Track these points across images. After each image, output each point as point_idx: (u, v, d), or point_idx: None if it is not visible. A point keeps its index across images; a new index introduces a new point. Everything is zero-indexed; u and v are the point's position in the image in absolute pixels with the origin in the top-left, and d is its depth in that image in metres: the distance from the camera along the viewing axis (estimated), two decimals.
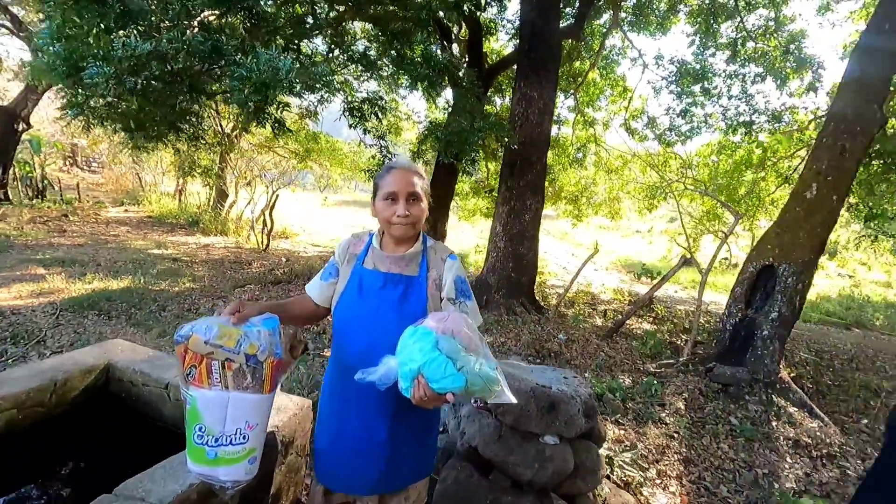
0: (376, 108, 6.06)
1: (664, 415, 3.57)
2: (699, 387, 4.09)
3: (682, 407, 3.73)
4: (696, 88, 9.82)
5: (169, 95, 4.70)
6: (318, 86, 5.52)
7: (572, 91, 10.95)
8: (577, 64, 10.61)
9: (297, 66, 4.98)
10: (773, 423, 3.57)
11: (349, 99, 6.38)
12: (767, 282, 4.49)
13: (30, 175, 15.86)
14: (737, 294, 4.66)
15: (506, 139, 5.68)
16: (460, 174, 7.73)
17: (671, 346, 5.56)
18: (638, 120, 11.35)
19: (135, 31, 4.66)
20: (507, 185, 6.31)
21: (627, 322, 6.25)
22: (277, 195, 11.66)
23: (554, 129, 11.27)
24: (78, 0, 4.04)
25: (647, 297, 6.28)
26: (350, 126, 5.92)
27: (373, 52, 6.60)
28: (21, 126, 13.75)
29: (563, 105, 11.73)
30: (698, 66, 9.56)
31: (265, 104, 4.29)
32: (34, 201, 14.15)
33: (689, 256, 5.93)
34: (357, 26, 8.43)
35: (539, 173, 6.36)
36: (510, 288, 6.19)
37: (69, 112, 4.84)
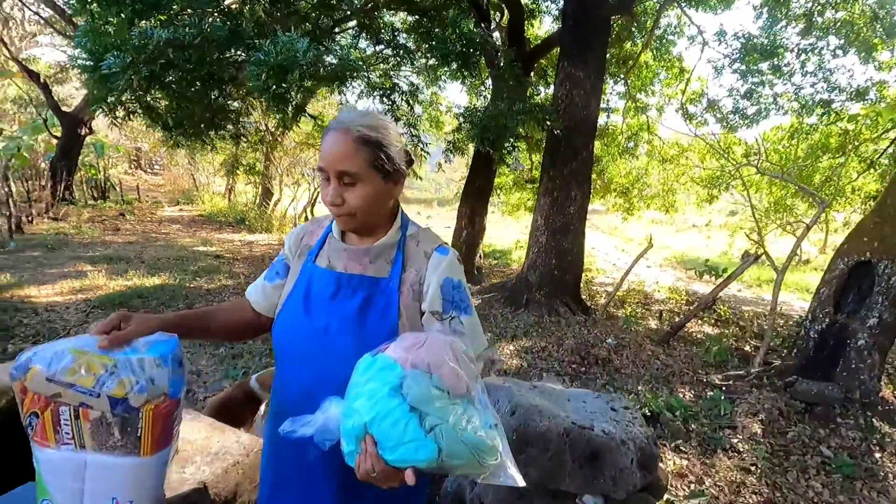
0: (406, 96, 5.72)
1: (736, 440, 2.99)
2: (778, 406, 3.45)
3: (759, 431, 3.13)
4: (764, 66, 8.83)
5: (188, 85, 4.53)
6: (345, 73, 5.22)
7: (622, 76, 10.17)
8: (627, 46, 9.82)
9: (321, 49, 4.71)
10: (877, 456, 2.91)
11: (381, 86, 6.09)
12: (863, 281, 3.77)
13: (94, 177, 16.71)
14: (823, 295, 3.95)
15: (547, 123, 5.16)
16: (500, 165, 7.25)
17: (739, 353, 4.88)
18: (696, 104, 10.41)
19: (157, 21, 4.52)
20: (549, 174, 5.78)
21: (686, 325, 5.58)
22: (318, 192, 11.65)
23: (602, 118, 10.57)
24: None
25: (711, 296, 5.58)
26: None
27: (410, 43, 6.27)
28: (84, 131, 14.45)
29: (613, 91, 10.96)
30: (767, 41, 8.57)
31: (284, 90, 4.02)
32: (97, 202, 14.89)
33: (760, 252, 5.20)
34: (396, 19, 8.12)
35: (585, 162, 5.79)
36: (553, 286, 5.67)
37: (94, 107, 4.78)
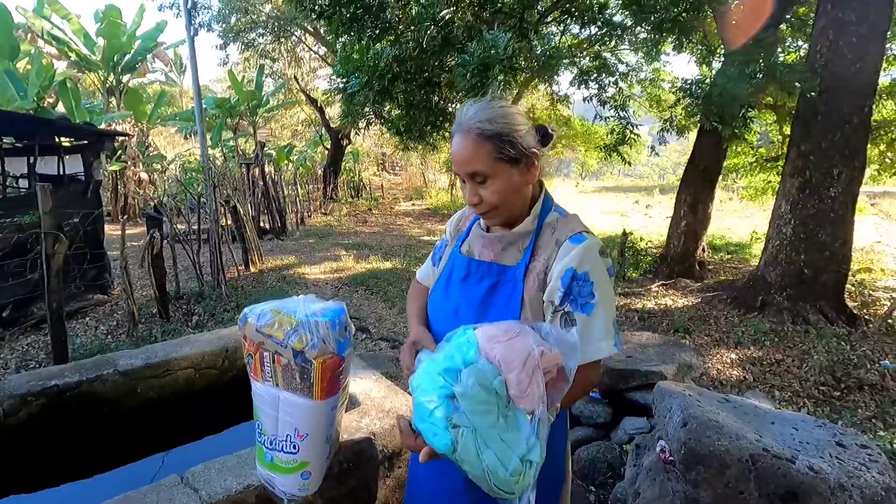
0: (617, 76, 5.36)
1: None
2: None
3: None
4: None
5: (411, 93, 5.14)
6: (550, 64, 5.20)
7: None
8: None
9: (524, 43, 4.79)
10: None
11: (592, 70, 5.83)
12: None
13: (352, 179, 20.53)
14: None
15: (797, 85, 4.17)
16: (732, 142, 6.16)
17: None
18: None
19: (388, 42, 5.26)
20: (799, 149, 4.67)
21: None
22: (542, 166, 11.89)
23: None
24: (343, 23, 4.76)
25: None
26: (584, 100, 5.40)
27: (625, 19, 5.86)
28: (345, 141, 17.83)
29: None
30: None
31: (486, 86, 4.23)
32: (353, 199, 18.28)
33: None
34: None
35: (857, 130, 4.48)
36: (800, 288, 4.58)
37: (343, 121, 5.86)
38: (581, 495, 1.91)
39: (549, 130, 1.00)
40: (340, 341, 0.97)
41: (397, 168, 29.46)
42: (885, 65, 7.90)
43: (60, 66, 11.90)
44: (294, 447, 0.95)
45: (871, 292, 5.97)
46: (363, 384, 1.41)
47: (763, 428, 1.29)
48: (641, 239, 9.01)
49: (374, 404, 1.30)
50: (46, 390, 1.40)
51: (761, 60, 4.53)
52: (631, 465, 1.52)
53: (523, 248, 0.98)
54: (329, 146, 17.95)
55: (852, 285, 5.59)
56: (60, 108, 10.36)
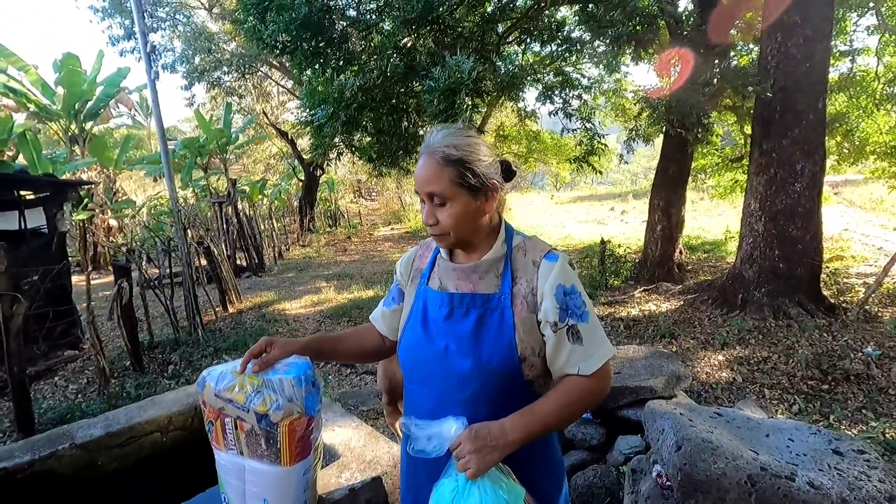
0: (580, 89, 5.46)
1: None
2: None
3: None
4: None
5: (379, 120, 5.14)
6: (513, 83, 5.27)
7: (871, 4, 7.86)
8: None
9: (487, 65, 4.85)
10: None
11: (556, 85, 5.92)
12: None
13: (328, 208, 20.40)
14: None
15: (749, 88, 4.30)
16: (696, 146, 6.31)
17: None
18: None
19: (351, 72, 5.27)
20: (761, 148, 4.79)
21: None
22: (504, 199, 11.97)
23: (844, 65, 8.38)
24: (306, 57, 4.75)
25: None
26: (550, 114, 5.48)
27: (583, 34, 6.01)
28: (318, 172, 17.77)
29: (858, 28, 8.56)
30: None
31: (454, 109, 4.25)
32: (331, 228, 18.13)
33: None
34: (566, 12, 7.87)
35: (814, 126, 4.63)
36: (777, 283, 4.65)
37: (312, 153, 5.82)
38: None
39: (513, 167, 1.03)
40: (309, 398, 0.90)
41: (374, 194, 29.44)
42: (833, 61, 8.26)
43: (19, 118, 11.64)
44: None
45: (844, 280, 6.10)
46: (342, 433, 1.33)
47: (758, 442, 1.26)
48: (619, 245, 9.10)
49: (354, 455, 1.23)
50: None
51: (710, 70, 4.67)
52: (629, 492, 1.46)
53: (499, 273, 0.99)
54: (303, 177, 17.86)
55: (826, 275, 5.70)
56: (22, 160, 10.08)
